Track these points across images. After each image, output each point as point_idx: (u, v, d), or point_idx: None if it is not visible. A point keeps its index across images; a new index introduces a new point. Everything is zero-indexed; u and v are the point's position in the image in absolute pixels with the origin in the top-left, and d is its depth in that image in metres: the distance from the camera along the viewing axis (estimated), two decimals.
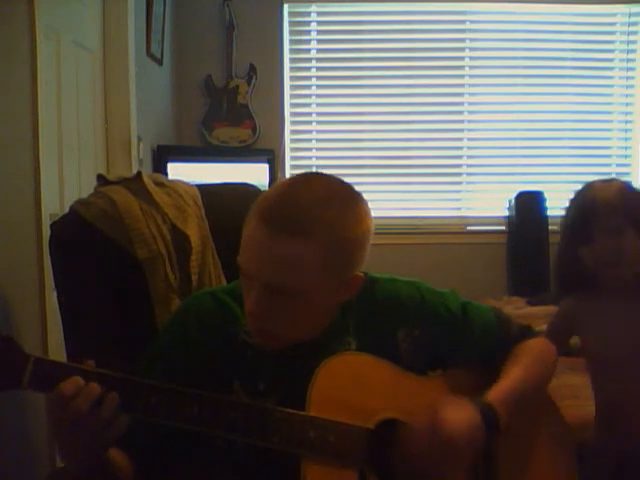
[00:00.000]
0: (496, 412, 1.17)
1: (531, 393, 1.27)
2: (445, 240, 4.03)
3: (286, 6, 3.98)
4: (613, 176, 4.10)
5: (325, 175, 1.17)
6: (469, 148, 4.15)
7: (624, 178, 4.09)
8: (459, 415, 1.14)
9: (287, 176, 4.01)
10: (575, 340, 1.62)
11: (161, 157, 3.49)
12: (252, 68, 3.92)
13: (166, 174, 3.35)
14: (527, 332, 1.36)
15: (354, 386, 1.17)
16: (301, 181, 1.15)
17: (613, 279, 1.49)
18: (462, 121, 4.12)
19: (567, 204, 1.57)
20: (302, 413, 1.11)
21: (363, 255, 1.14)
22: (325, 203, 1.09)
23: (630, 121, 4.08)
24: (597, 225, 1.46)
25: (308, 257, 1.06)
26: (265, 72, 3.94)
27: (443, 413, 1.13)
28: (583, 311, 1.55)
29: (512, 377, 1.25)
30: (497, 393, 1.21)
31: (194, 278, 1.48)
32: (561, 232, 1.58)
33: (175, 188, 1.56)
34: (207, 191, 1.61)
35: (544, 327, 1.67)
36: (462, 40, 4.08)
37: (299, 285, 1.08)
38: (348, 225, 1.10)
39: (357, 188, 1.17)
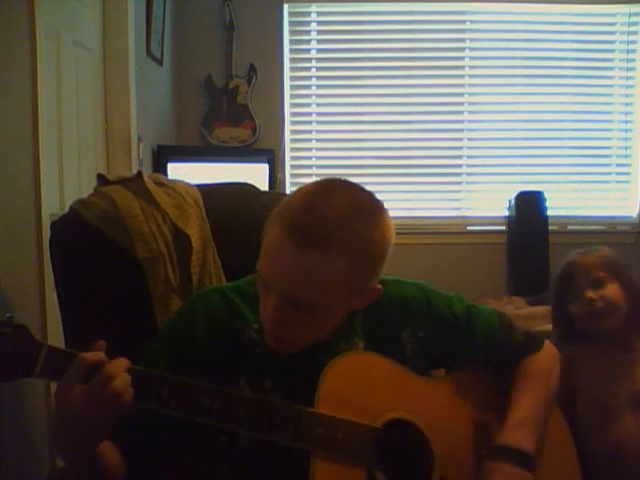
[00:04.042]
0: (527, 452, 1.22)
1: (546, 414, 1.30)
2: (445, 240, 4.03)
3: (286, 6, 3.98)
4: (613, 179, 4.12)
5: (349, 184, 1.14)
6: (469, 148, 4.15)
7: (624, 178, 4.11)
8: None
9: (287, 176, 4.02)
10: None
11: (161, 157, 3.49)
12: (252, 68, 3.92)
13: (166, 174, 3.35)
14: (533, 340, 1.37)
15: (362, 385, 1.18)
16: (326, 191, 1.11)
17: (601, 328, 1.60)
18: (462, 121, 4.12)
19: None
20: (310, 410, 1.12)
21: (383, 266, 1.14)
22: (351, 218, 1.07)
23: (630, 121, 4.07)
24: (580, 280, 1.60)
25: (332, 272, 1.06)
26: (265, 72, 3.94)
27: None
28: (577, 359, 1.61)
29: (527, 404, 1.29)
30: (518, 426, 1.25)
31: (195, 278, 1.48)
32: (551, 294, 1.73)
33: (175, 188, 1.56)
34: (207, 191, 1.61)
35: (545, 327, 1.71)
36: (462, 40, 4.07)
37: (321, 299, 1.08)
38: (373, 240, 1.10)
39: None
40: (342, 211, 1.07)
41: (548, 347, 1.38)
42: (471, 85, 4.10)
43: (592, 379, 1.58)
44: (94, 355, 1.00)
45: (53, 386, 2.02)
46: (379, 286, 1.16)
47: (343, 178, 1.16)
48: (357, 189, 1.14)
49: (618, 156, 4.12)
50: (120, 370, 0.99)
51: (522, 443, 1.22)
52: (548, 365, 1.36)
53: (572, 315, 1.62)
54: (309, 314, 1.10)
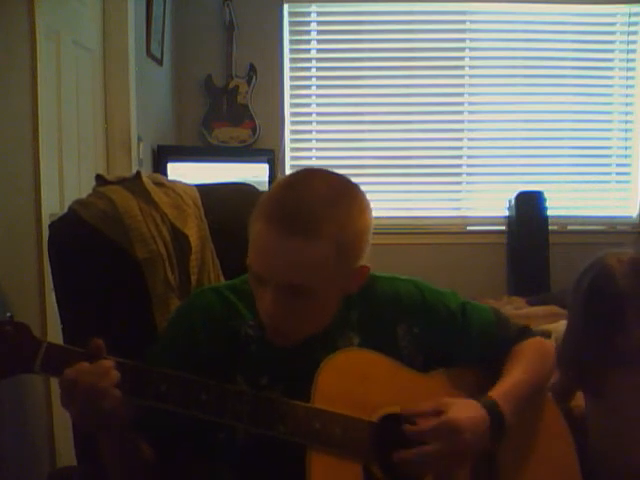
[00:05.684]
0: (501, 410, 1.19)
1: (532, 391, 1.29)
2: (445, 240, 4.03)
3: (286, 6, 3.99)
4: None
5: (321, 170, 1.20)
6: (469, 148, 4.15)
7: (624, 178, 4.11)
8: (465, 411, 1.16)
9: None
10: None
11: (161, 157, 3.49)
12: (252, 68, 3.92)
13: (166, 174, 3.35)
14: (526, 332, 1.38)
15: (358, 382, 1.19)
16: (302, 180, 1.16)
17: None
18: (462, 121, 4.12)
19: (581, 279, 1.50)
20: (307, 405, 1.13)
21: (368, 244, 1.17)
22: (331, 201, 1.11)
23: (630, 121, 4.07)
24: (633, 312, 1.42)
25: (321, 256, 1.08)
26: (265, 72, 3.94)
27: (449, 409, 1.15)
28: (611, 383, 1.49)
29: (514, 376, 1.27)
30: (500, 392, 1.23)
31: (193, 278, 1.48)
32: (582, 313, 1.50)
33: (174, 188, 1.55)
34: (206, 191, 1.61)
35: (545, 327, 1.67)
36: (462, 40, 4.08)
37: (314, 284, 1.10)
38: (355, 219, 1.13)
39: None
40: (321, 197, 1.11)
41: (541, 339, 1.38)
42: (471, 85, 4.10)
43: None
44: (71, 372, 1.02)
45: (53, 386, 2.02)
46: (367, 265, 1.18)
47: (316, 167, 1.22)
48: (331, 174, 1.19)
49: (618, 156, 4.12)
50: (100, 382, 1.02)
51: (501, 403, 1.20)
52: (540, 351, 1.35)
53: (617, 343, 1.44)
54: (305, 301, 1.11)
